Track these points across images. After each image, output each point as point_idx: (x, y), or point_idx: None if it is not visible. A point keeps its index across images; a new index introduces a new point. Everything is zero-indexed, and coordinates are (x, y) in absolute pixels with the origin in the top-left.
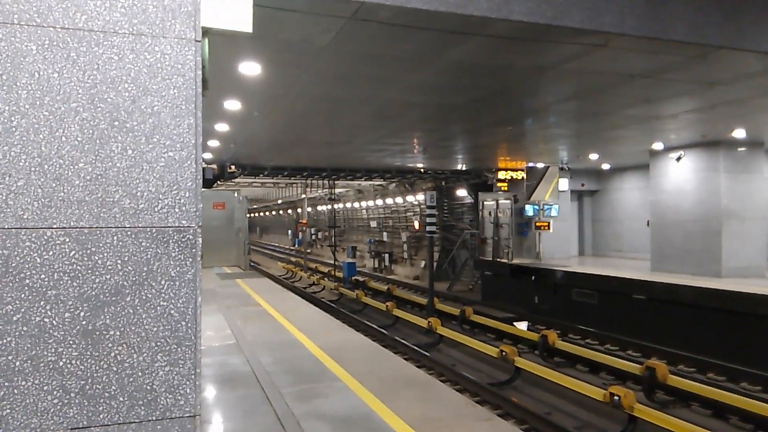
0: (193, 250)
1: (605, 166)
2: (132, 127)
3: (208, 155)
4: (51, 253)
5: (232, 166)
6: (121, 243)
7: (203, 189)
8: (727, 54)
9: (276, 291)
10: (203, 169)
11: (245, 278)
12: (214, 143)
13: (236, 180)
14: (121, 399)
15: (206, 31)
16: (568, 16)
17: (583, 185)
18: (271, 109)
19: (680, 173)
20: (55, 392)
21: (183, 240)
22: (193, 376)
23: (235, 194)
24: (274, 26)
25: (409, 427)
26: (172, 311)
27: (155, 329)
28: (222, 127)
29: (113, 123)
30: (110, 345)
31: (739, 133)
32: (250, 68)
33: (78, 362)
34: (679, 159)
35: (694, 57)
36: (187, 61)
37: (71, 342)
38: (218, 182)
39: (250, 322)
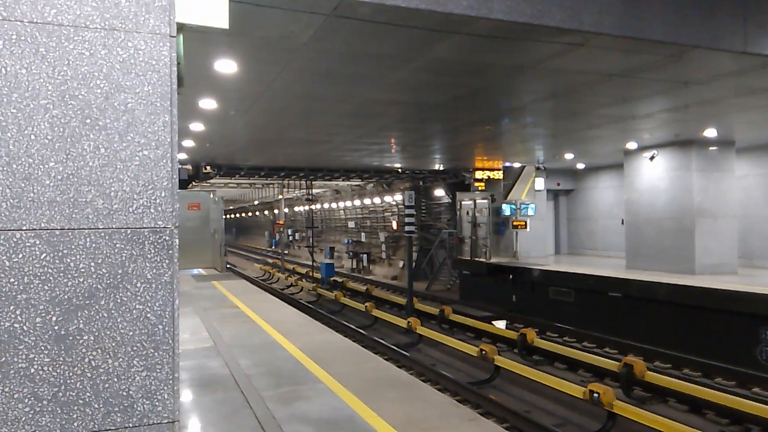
0: (170, 252)
1: (580, 166)
2: (105, 125)
3: (182, 155)
4: (20, 255)
5: (208, 167)
6: (94, 245)
7: (178, 189)
8: (702, 54)
9: (253, 292)
10: (178, 169)
11: (221, 280)
12: (188, 143)
13: (212, 180)
14: (96, 406)
15: (181, 27)
16: (548, 15)
17: (558, 185)
18: (248, 107)
19: (654, 172)
20: (26, 400)
21: (159, 241)
22: (171, 381)
23: (211, 195)
24: (251, 23)
25: (393, 429)
26: (149, 314)
27: (131, 333)
28: (197, 126)
29: (85, 120)
30: (84, 350)
31: (711, 133)
32: (226, 66)
33: (50, 368)
34: (652, 158)
35: (670, 56)
36: (162, 57)
37: (43, 348)
38: (193, 183)
39: (228, 324)
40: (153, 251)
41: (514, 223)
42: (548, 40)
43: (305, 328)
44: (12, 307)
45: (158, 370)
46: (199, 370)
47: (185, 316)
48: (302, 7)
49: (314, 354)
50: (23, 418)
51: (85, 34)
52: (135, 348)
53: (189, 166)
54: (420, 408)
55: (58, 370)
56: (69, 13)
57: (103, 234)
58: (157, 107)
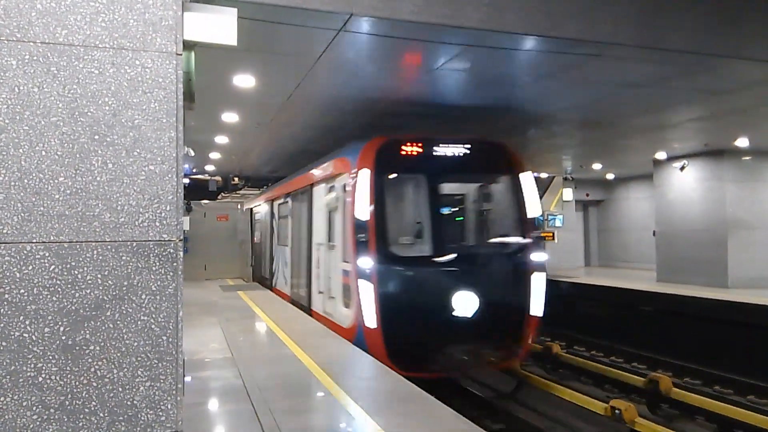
0: (174, 264)
1: (610, 176)
2: (113, 141)
3: (210, 167)
4: (30, 267)
5: (236, 178)
6: (101, 257)
7: (206, 201)
8: (727, 63)
9: (277, 303)
10: (207, 181)
11: (247, 290)
12: (215, 155)
13: (240, 192)
14: (102, 414)
15: (193, 45)
16: (562, 27)
17: (587, 195)
18: (270, 120)
19: (685, 183)
20: (34, 408)
21: (164, 254)
22: (174, 392)
23: (239, 206)
24: (264, 39)
25: None
26: (153, 326)
27: (136, 344)
28: (222, 139)
29: (94, 137)
30: (90, 360)
31: (743, 142)
32: (245, 80)
33: (58, 377)
34: (682, 168)
35: (693, 66)
36: (168, 75)
37: (51, 357)
38: (222, 194)
39: (248, 335)
40: (158, 264)
41: (542, 234)
42: (564, 51)
43: (324, 340)
44: (22, 318)
45: (162, 381)
46: (213, 381)
47: (209, 326)
48: (313, 23)
49: (329, 367)
50: (31, 426)
51: (94, 54)
52: (140, 358)
53: (218, 178)
54: (428, 423)
55: (65, 379)
56: (79, 33)
57: (109, 247)
58: (163, 123)
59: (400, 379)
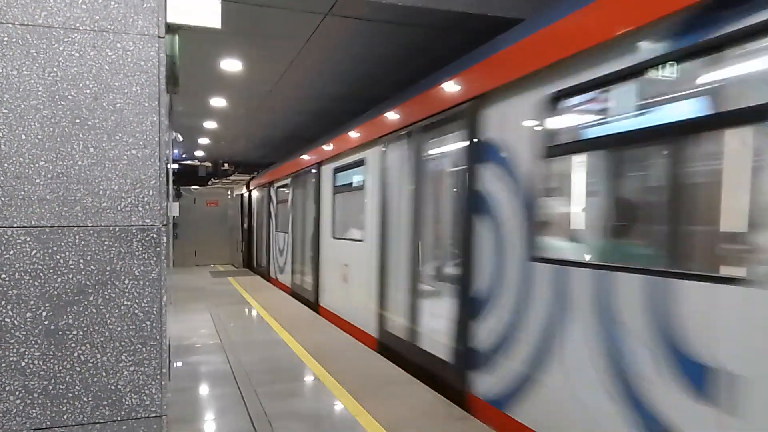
0: (158, 249)
1: None
2: (94, 125)
3: (200, 153)
4: (12, 252)
5: (225, 164)
6: (83, 242)
7: (196, 187)
8: None
9: (267, 289)
10: (197, 166)
11: (237, 276)
12: (204, 141)
13: (231, 178)
14: (85, 399)
15: (177, 28)
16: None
17: None
18: (257, 106)
19: None
20: (17, 393)
21: (147, 239)
22: (158, 376)
23: (228, 192)
24: (251, 22)
25: (382, 428)
26: (137, 311)
27: (119, 329)
28: (210, 124)
29: (75, 120)
30: (73, 345)
31: None
32: (232, 65)
33: (40, 362)
34: None
35: None
36: (150, 58)
37: (33, 342)
38: (212, 179)
39: (237, 320)
40: (141, 249)
41: None
42: None
43: (313, 325)
44: (3, 302)
45: (146, 365)
46: (200, 366)
47: (197, 312)
48: (300, 6)
49: (316, 351)
50: (14, 410)
51: (74, 36)
52: (123, 343)
53: (208, 163)
54: (412, 407)
55: (48, 364)
56: (59, 15)
57: (92, 231)
58: (146, 107)
59: (388, 364)
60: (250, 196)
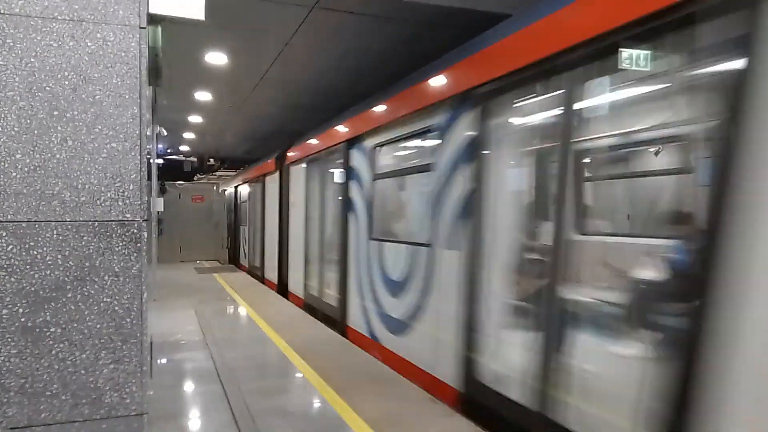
0: (138, 245)
1: None
2: (72, 117)
3: (185, 148)
4: None
5: (211, 159)
6: (61, 237)
7: (181, 182)
8: None
9: (252, 285)
10: (181, 161)
11: (222, 272)
12: (189, 135)
13: (217, 173)
14: (64, 397)
15: (160, 19)
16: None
17: None
18: (243, 100)
19: None
20: None
21: (127, 234)
22: (139, 374)
23: (214, 187)
24: (236, 14)
25: (367, 425)
26: (116, 307)
27: (99, 326)
28: (195, 118)
29: (52, 112)
30: (51, 342)
31: None
32: (217, 58)
33: (17, 360)
34: None
35: None
36: (131, 49)
37: (9, 339)
38: (198, 174)
39: (221, 317)
40: (121, 244)
41: None
42: None
43: (298, 321)
44: None
45: (126, 363)
46: (184, 363)
47: (181, 308)
48: None
49: (301, 348)
50: None
51: (53, 26)
52: (102, 341)
53: (193, 158)
54: (398, 403)
55: (25, 362)
56: (37, 4)
57: (70, 227)
58: (126, 99)
59: (372, 360)
60: (236, 191)
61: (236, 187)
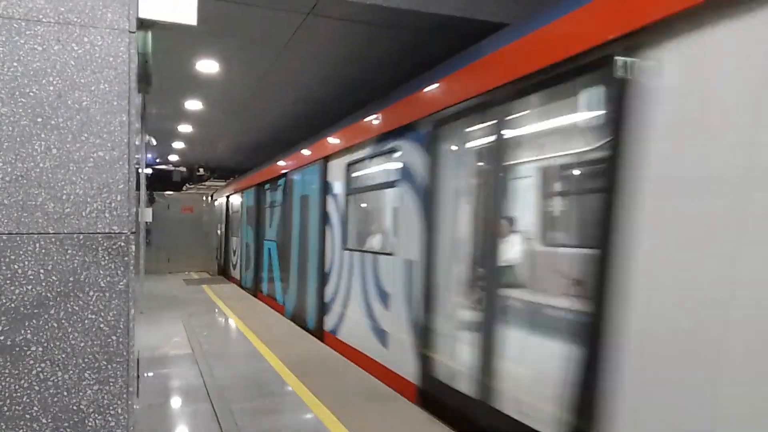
0: (126, 258)
1: None
2: (57, 124)
3: (174, 157)
4: None
5: (201, 169)
6: (44, 250)
7: (170, 192)
8: None
9: (242, 298)
10: (171, 171)
11: (212, 284)
12: (179, 144)
13: (207, 183)
14: (44, 421)
15: (150, 24)
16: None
17: None
18: (235, 109)
19: None
20: None
21: (114, 247)
22: (125, 395)
23: (204, 197)
24: (229, 21)
25: None
26: (102, 325)
27: (83, 344)
28: (185, 128)
29: (36, 119)
30: (32, 362)
31: None
32: (208, 66)
33: None
34: None
35: None
36: (119, 54)
37: None
38: (187, 185)
39: (211, 331)
40: (107, 258)
41: None
42: None
43: (290, 336)
44: None
45: (111, 384)
46: (172, 380)
47: (170, 321)
48: (281, 5)
49: (294, 364)
50: None
51: (37, 29)
52: (87, 360)
53: (183, 168)
54: (395, 423)
55: (4, 383)
56: (20, 5)
57: (53, 239)
58: (114, 106)
59: (368, 377)
60: (228, 202)
61: (227, 197)
